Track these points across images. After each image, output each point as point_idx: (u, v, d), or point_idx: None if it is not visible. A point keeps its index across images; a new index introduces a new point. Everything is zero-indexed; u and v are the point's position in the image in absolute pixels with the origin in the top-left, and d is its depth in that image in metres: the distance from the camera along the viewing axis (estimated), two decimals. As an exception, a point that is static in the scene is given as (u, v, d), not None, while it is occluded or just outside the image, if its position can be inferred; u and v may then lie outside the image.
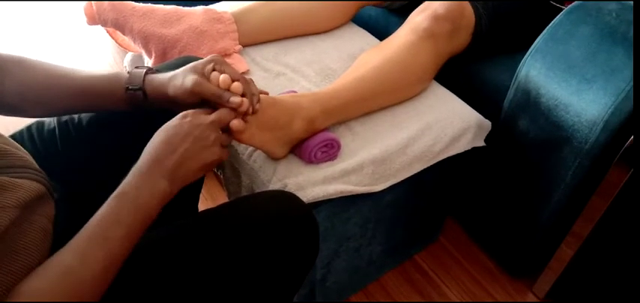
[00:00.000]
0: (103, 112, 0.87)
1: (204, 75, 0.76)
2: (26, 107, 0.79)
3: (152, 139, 0.69)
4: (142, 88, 0.77)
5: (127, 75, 0.79)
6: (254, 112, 0.79)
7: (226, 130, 0.76)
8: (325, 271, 1.09)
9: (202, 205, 1.30)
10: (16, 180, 0.59)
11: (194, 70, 0.76)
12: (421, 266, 1.35)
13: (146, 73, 0.79)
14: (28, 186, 0.60)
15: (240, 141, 0.85)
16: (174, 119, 0.71)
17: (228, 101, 0.74)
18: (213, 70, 0.77)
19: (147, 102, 0.78)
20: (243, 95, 0.77)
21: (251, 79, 0.80)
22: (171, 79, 0.77)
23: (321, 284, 1.12)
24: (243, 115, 0.77)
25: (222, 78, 0.75)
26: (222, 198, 1.49)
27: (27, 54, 0.79)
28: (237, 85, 0.76)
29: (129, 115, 0.83)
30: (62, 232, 0.61)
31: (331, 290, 1.17)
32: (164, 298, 0.68)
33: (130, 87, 0.77)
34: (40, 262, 0.57)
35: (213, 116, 0.73)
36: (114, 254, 0.59)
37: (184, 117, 0.71)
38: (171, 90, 0.76)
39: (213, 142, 0.71)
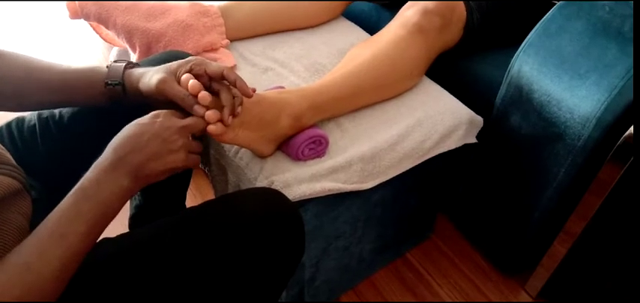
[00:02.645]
0: (83, 108, 0.85)
1: (175, 76, 0.75)
2: (3, 100, 0.78)
3: (119, 133, 0.68)
4: (121, 83, 0.77)
5: (106, 69, 0.77)
6: (235, 115, 0.77)
7: (199, 137, 0.75)
8: (314, 271, 1.08)
9: (190, 201, 1.28)
10: None
11: (166, 70, 0.75)
12: (413, 264, 1.34)
13: (125, 67, 0.77)
14: (3, 182, 0.59)
15: (223, 142, 0.83)
16: (144, 117, 0.70)
17: (191, 107, 0.73)
18: (191, 71, 0.75)
19: (126, 96, 0.77)
20: (233, 84, 0.76)
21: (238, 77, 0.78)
22: (142, 75, 0.76)
23: (310, 284, 1.10)
24: (223, 119, 0.75)
25: (191, 83, 0.72)
26: (211, 195, 1.47)
27: (14, 48, 0.78)
28: (203, 95, 0.72)
29: (110, 112, 0.81)
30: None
31: (321, 290, 1.15)
32: (150, 295, 0.67)
33: (110, 82, 0.76)
34: None
35: (184, 122, 0.71)
36: (73, 251, 0.59)
37: (156, 116, 0.70)
38: (141, 85, 0.76)
39: (180, 147, 0.70)
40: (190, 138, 0.72)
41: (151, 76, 0.74)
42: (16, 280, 0.54)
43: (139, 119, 0.69)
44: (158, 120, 0.69)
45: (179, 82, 0.74)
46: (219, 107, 0.75)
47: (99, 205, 0.62)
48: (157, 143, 0.67)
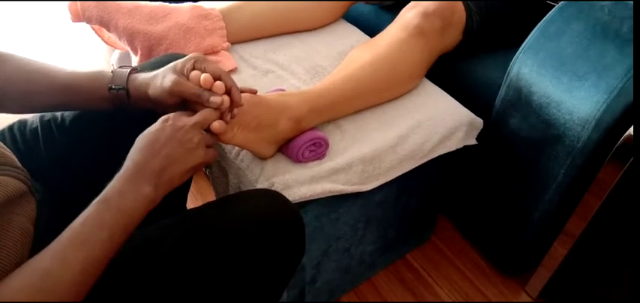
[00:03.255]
0: (86, 112, 0.85)
1: (183, 74, 0.75)
2: (8, 103, 0.78)
3: (135, 144, 0.68)
4: (125, 88, 0.76)
5: (111, 74, 0.77)
6: (232, 116, 0.78)
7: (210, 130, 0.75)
8: (315, 272, 1.08)
9: (191, 203, 1.28)
10: None
11: (174, 70, 0.75)
12: (413, 265, 1.34)
13: (130, 72, 0.77)
14: (8, 183, 0.59)
15: (221, 141, 0.84)
16: (155, 124, 0.70)
17: (208, 101, 0.73)
18: (194, 68, 0.75)
19: (130, 102, 0.77)
20: (228, 91, 0.76)
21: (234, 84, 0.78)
22: (151, 79, 0.76)
23: (310, 285, 1.10)
24: (223, 115, 0.76)
25: (204, 77, 0.73)
26: (211, 197, 1.47)
27: (16, 51, 0.78)
28: (219, 85, 0.74)
29: (112, 115, 0.81)
30: (44, 233, 0.61)
31: (321, 291, 1.15)
32: (150, 296, 0.67)
33: (114, 86, 0.77)
34: (18, 264, 0.55)
35: (195, 118, 0.72)
36: (94, 258, 0.58)
37: (165, 121, 0.70)
38: (151, 90, 0.75)
39: (197, 144, 0.70)
40: (204, 133, 0.73)
41: (162, 79, 0.74)
42: (36, 286, 0.53)
43: (150, 128, 0.69)
44: (168, 123, 0.69)
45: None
46: None
47: (121, 215, 0.61)
48: (174, 145, 0.67)
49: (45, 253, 0.56)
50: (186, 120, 0.71)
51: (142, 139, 0.68)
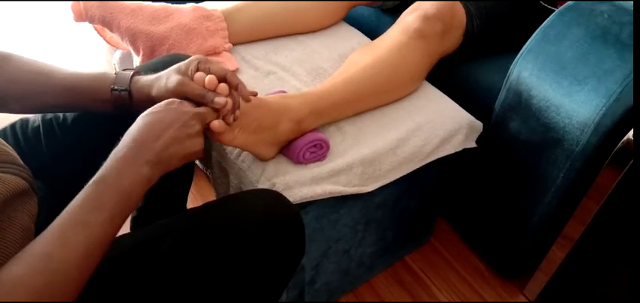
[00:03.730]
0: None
1: (188, 75, 0.75)
2: (10, 103, 0.78)
3: (135, 123, 0.67)
4: (128, 89, 0.77)
5: (114, 75, 0.78)
6: (235, 118, 0.78)
7: (206, 130, 0.75)
8: (314, 273, 1.08)
9: (192, 204, 1.28)
10: None
11: (178, 71, 0.75)
12: (412, 268, 1.34)
13: (133, 74, 0.78)
14: (10, 181, 0.59)
15: (221, 142, 0.84)
16: (159, 105, 0.70)
17: (212, 101, 0.73)
18: (198, 69, 0.76)
19: (132, 104, 0.77)
20: (234, 88, 0.76)
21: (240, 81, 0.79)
22: (155, 80, 0.76)
23: (310, 286, 1.11)
24: (226, 117, 0.76)
25: (209, 78, 0.74)
26: (212, 197, 1.48)
27: (17, 51, 0.78)
28: (223, 87, 0.74)
29: (114, 115, 0.82)
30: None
31: (321, 292, 1.16)
32: (150, 295, 0.68)
33: (116, 87, 0.77)
34: None
35: (198, 108, 0.72)
36: (95, 239, 0.57)
37: (170, 104, 0.70)
38: (154, 91, 0.75)
39: (198, 132, 0.70)
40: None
41: (166, 80, 0.74)
42: (38, 269, 0.52)
43: (153, 108, 0.69)
44: (173, 106, 0.69)
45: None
46: None
47: (120, 194, 0.61)
48: (177, 127, 0.67)
49: (44, 236, 0.55)
50: (190, 107, 0.71)
51: (145, 118, 0.67)
